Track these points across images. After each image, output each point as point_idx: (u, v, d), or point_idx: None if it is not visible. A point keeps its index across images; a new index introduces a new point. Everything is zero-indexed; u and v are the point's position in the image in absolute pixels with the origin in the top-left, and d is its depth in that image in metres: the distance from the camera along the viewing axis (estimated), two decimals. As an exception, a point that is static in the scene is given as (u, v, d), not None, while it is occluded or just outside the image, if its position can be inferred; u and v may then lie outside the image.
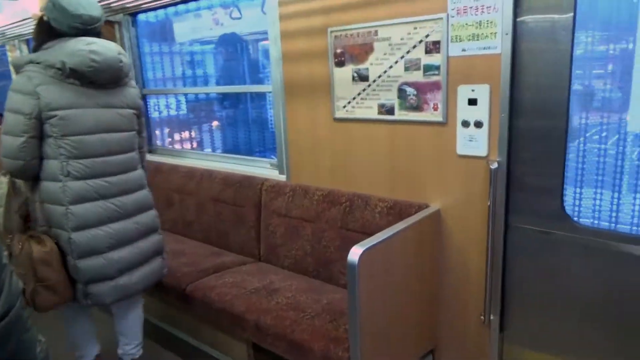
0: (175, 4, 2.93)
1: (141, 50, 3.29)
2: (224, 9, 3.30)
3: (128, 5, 2.91)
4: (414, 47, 1.81)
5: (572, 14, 1.49)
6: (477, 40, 1.65)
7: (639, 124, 1.44)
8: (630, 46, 1.57)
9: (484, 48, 1.64)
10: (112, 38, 3.20)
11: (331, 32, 2.04)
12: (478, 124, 1.71)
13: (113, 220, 1.75)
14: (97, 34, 1.73)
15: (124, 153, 1.80)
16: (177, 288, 2.19)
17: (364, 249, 1.50)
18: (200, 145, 3.63)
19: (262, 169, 2.62)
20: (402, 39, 1.83)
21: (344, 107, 2.08)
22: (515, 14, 1.58)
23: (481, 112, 1.70)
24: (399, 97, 1.90)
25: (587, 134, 1.62)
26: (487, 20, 1.62)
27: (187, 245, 2.68)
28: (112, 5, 2.89)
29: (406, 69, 1.85)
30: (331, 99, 2.12)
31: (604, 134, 1.60)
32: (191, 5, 3.13)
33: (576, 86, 1.56)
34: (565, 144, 1.59)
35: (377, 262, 1.58)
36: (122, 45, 3.21)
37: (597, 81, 1.58)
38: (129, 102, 1.81)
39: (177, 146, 3.65)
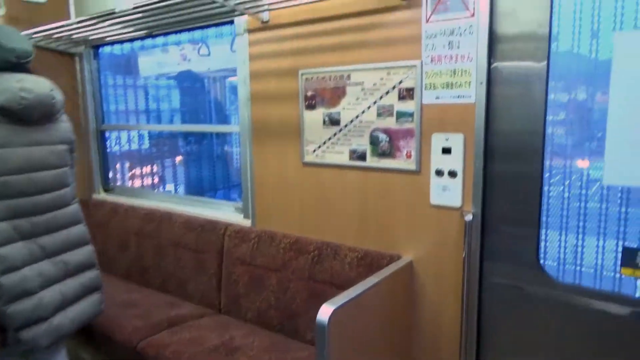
0: (140, 38, 2.83)
1: (102, 84, 3.15)
2: (193, 45, 3.22)
3: (91, 37, 2.79)
4: (387, 93, 1.76)
5: (545, 62, 1.48)
6: (451, 88, 1.62)
7: (614, 177, 1.41)
8: (586, 99, 1.56)
9: (458, 97, 1.61)
10: (71, 70, 3.06)
11: (302, 74, 1.98)
12: (452, 174, 1.65)
13: (37, 260, 1.65)
14: (27, 70, 1.68)
15: (56, 190, 1.72)
16: (128, 345, 1.99)
17: (334, 307, 1.38)
18: (161, 184, 3.47)
19: (226, 212, 2.48)
20: (375, 84, 1.79)
21: (314, 151, 2.00)
22: (490, 62, 1.55)
23: (455, 161, 1.64)
24: (371, 143, 1.83)
25: (565, 187, 1.58)
26: (462, 69, 1.59)
27: (142, 294, 2.48)
28: (73, 36, 2.76)
29: (379, 114, 1.79)
30: (301, 143, 2.03)
31: (576, 184, 1.56)
32: (159, 40, 3.04)
33: (550, 135, 1.53)
34: (540, 195, 1.55)
35: (347, 320, 1.46)
36: (82, 78, 3.07)
37: (570, 131, 1.56)
38: (61, 137, 1.76)
39: (136, 184, 3.47)
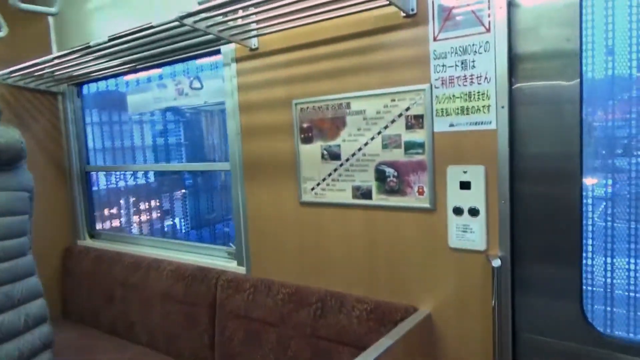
0: (125, 74, 2.66)
1: (87, 122, 2.96)
2: (186, 79, 3.06)
3: (74, 74, 2.61)
4: (393, 121, 1.55)
5: (578, 81, 1.27)
6: (467, 114, 1.41)
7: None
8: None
9: (476, 123, 1.40)
10: (54, 110, 2.88)
11: (296, 104, 1.78)
12: (473, 212, 1.43)
13: (2, 311, 1.56)
14: None
15: (15, 238, 1.65)
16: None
17: (342, 382, 1.13)
18: (151, 227, 3.24)
19: (218, 258, 2.24)
20: (378, 112, 1.58)
21: (312, 189, 1.78)
22: (510, 82, 1.35)
23: (476, 197, 1.42)
24: (377, 178, 1.61)
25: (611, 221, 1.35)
26: (478, 92, 1.38)
27: (128, 353, 2.22)
28: (55, 74, 2.59)
29: (384, 146, 1.58)
30: (297, 180, 1.82)
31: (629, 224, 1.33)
32: (153, 76, 2.87)
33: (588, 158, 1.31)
34: (581, 235, 1.31)
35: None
36: (65, 117, 2.89)
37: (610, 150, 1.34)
38: (25, 184, 1.72)
39: (124, 228, 3.24)
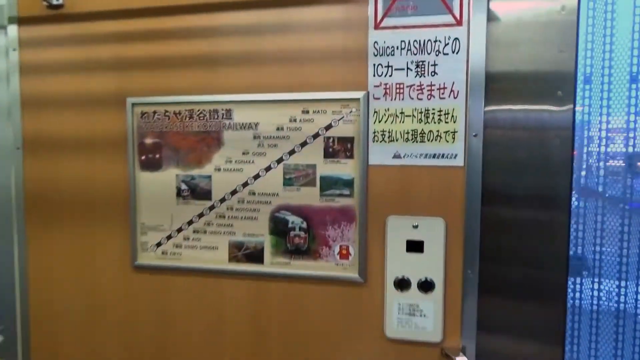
0: None
1: None
2: None
3: None
4: (304, 144, 1.00)
5: (571, 106, 0.93)
6: (422, 141, 0.95)
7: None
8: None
9: (435, 156, 0.95)
10: None
11: (133, 105, 1.08)
12: (426, 286, 0.97)
13: None
14: None
15: None
16: None
17: None
18: None
19: (-33, 356, 1.32)
20: (279, 128, 1.01)
21: (159, 245, 1.10)
22: (484, 104, 0.95)
23: (431, 264, 0.97)
24: (274, 231, 1.03)
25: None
26: (440, 110, 0.94)
27: None
28: None
29: (287, 182, 1.02)
30: (131, 229, 1.11)
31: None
32: None
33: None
34: (565, 325, 0.97)
35: None
36: None
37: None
38: None
39: None
